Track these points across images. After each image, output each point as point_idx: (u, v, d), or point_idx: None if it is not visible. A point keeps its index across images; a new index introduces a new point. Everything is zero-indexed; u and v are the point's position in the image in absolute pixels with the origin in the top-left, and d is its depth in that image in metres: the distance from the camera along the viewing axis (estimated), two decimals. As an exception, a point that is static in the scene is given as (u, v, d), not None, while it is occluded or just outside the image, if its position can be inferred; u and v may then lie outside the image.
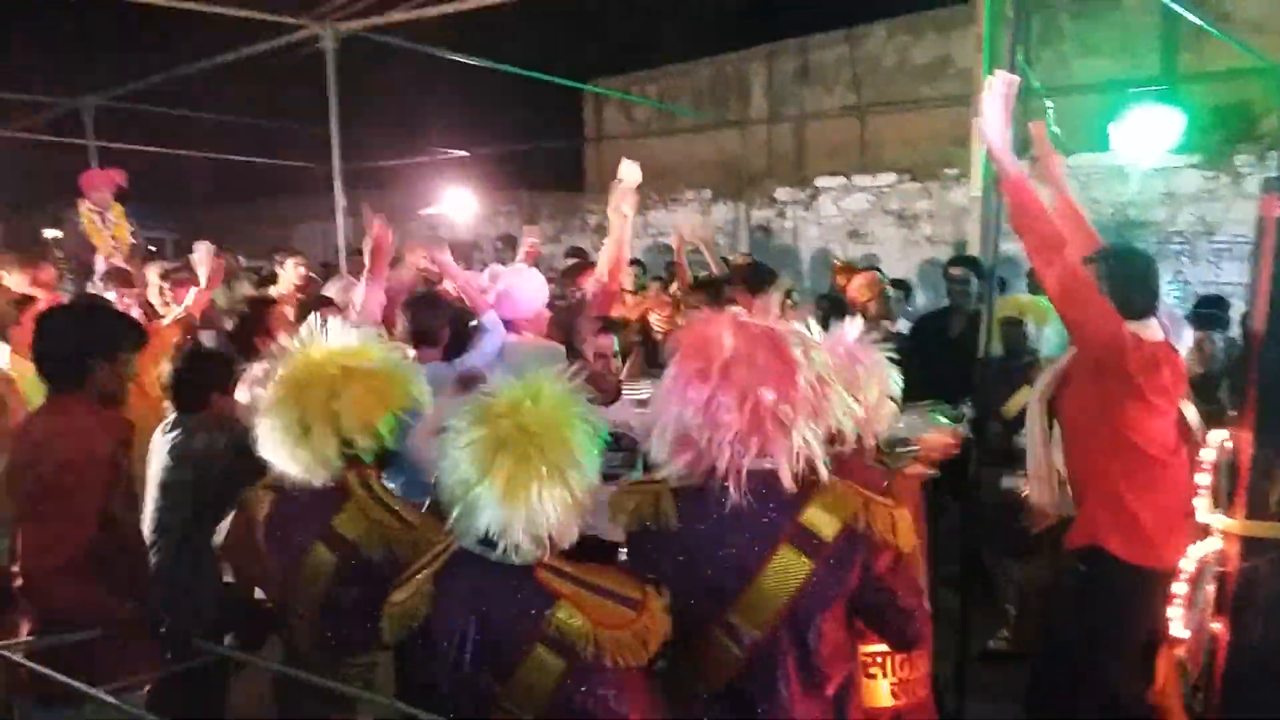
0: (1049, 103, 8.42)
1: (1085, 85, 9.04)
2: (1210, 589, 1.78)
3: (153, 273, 6.14)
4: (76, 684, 2.11)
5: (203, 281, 5.29)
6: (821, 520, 1.88)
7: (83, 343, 2.73)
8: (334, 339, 2.42)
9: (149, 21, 10.76)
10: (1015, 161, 2.94)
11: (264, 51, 7.75)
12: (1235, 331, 5.66)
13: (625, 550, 2.14)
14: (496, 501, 1.82)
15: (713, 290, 5.06)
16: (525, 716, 1.85)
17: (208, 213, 14.92)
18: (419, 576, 1.99)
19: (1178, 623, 1.78)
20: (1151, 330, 2.87)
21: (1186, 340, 3.29)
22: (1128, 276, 2.95)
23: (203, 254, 5.33)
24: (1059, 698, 2.95)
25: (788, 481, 1.85)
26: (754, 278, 4.64)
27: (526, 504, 1.81)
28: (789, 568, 1.86)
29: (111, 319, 2.97)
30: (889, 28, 10.99)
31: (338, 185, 7.32)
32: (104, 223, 6.85)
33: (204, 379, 3.36)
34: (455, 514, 1.88)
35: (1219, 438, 1.75)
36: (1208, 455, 1.75)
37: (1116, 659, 2.82)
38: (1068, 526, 3.06)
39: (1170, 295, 8.23)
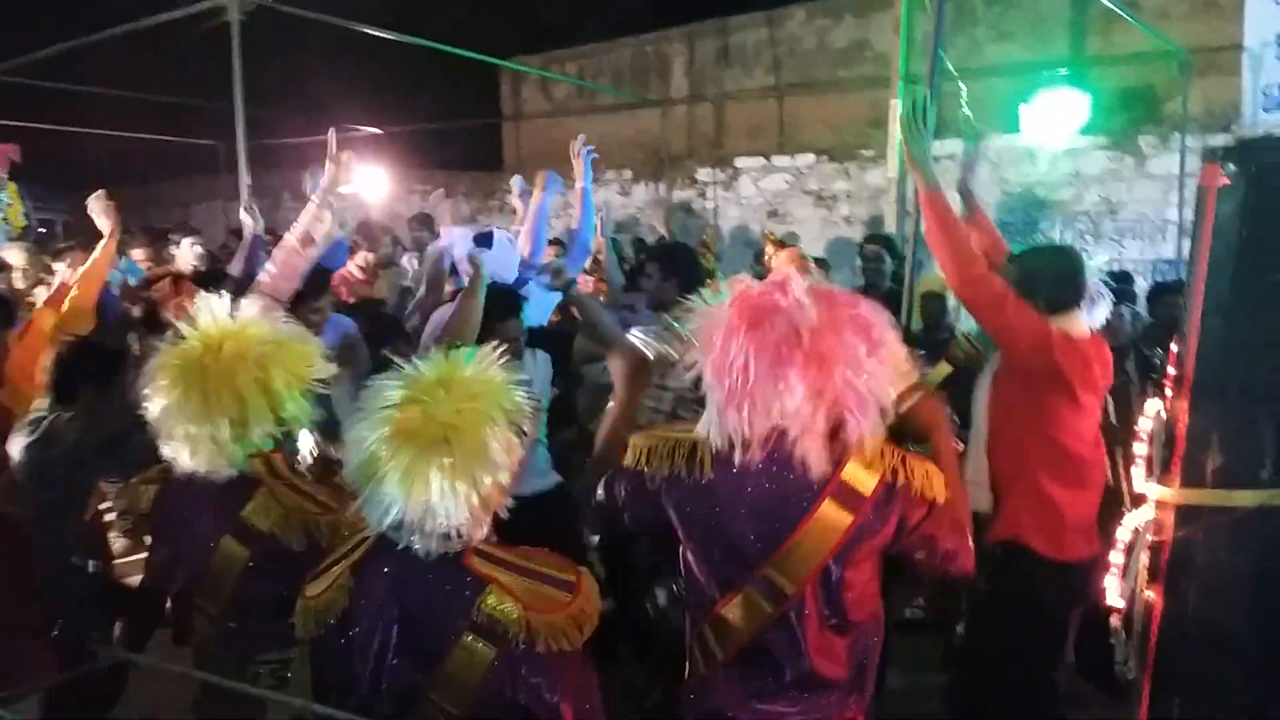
0: (962, 85, 8.61)
1: (997, 68, 9.24)
2: (1144, 558, 1.78)
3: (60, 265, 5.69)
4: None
5: (105, 232, 4.67)
6: (861, 475, 1.88)
7: None
8: (227, 320, 2.28)
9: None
10: (935, 177, 2.94)
11: (166, 23, 7.33)
12: (1141, 306, 5.87)
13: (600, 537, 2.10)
14: (395, 490, 1.72)
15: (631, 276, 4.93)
16: (452, 711, 1.77)
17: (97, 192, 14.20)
18: (336, 568, 1.89)
19: (1113, 592, 1.78)
20: (1078, 325, 2.92)
21: (1099, 316, 3.35)
22: (1051, 273, 2.98)
23: (99, 205, 4.75)
24: (982, 689, 3.02)
25: (853, 447, 1.86)
26: (668, 260, 4.46)
27: (425, 497, 1.71)
28: (831, 522, 1.86)
29: None
30: (809, 10, 11.03)
31: (243, 164, 6.99)
32: (-6, 201, 6.43)
33: (75, 373, 3.08)
34: (359, 501, 1.78)
35: (1154, 407, 1.76)
36: (1143, 425, 1.75)
37: (1034, 649, 2.92)
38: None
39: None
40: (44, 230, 11.55)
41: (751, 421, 1.83)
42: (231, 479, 2.24)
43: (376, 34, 7.83)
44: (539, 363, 3.61)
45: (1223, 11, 8.30)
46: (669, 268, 4.22)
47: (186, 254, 6.34)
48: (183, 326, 2.26)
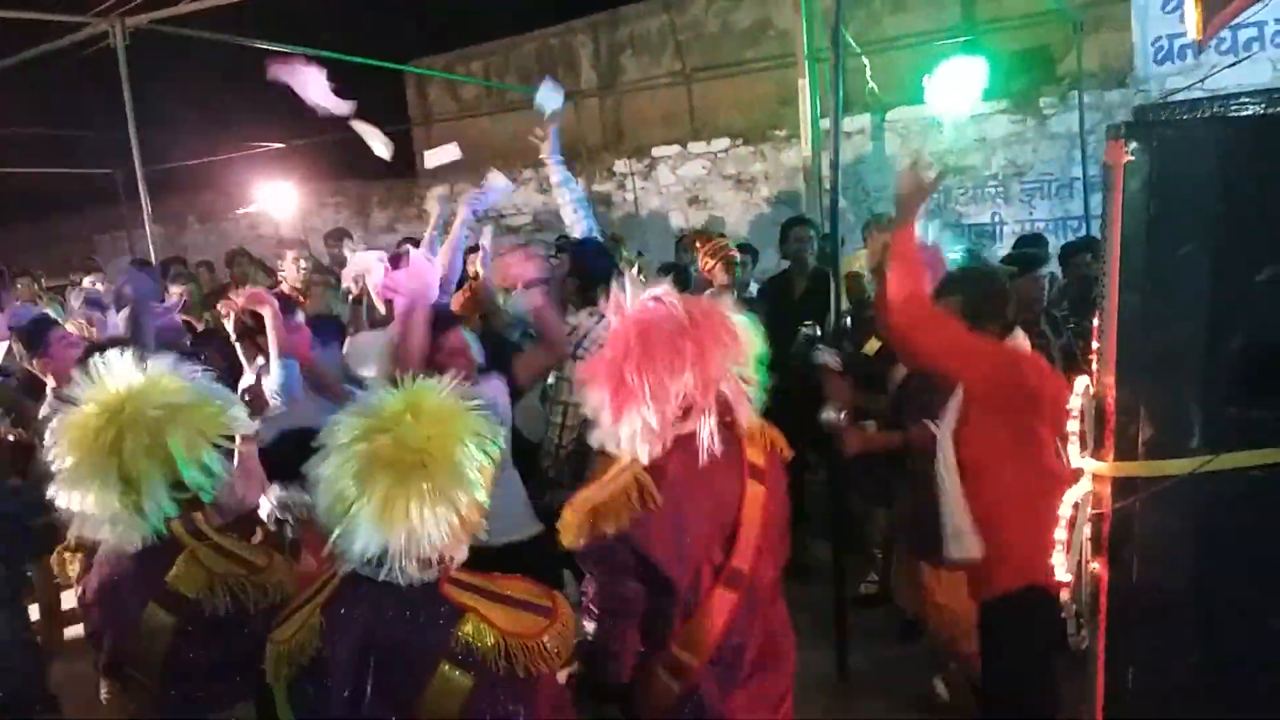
0: (865, 60, 8.70)
1: (896, 39, 9.39)
2: (1086, 531, 1.82)
3: None
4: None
5: None
6: (757, 454, 2.13)
7: None
8: (125, 377, 2.15)
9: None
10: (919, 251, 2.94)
11: (48, 53, 7.03)
12: (1054, 266, 6.02)
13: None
14: (373, 523, 1.70)
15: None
16: None
17: (1, 231, 13.58)
18: (303, 610, 1.84)
19: (1060, 567, 1.82)
20: (1020, 342, 2.94)
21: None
22: (988, 294, 3.00)
23: None
24: None
25: (742, 425, 2.08)
26: (583, 270, 4.05)
27: (406, 525, 1.69)
28: (755, 496, 2.08)
29: None
30: (709, -7, 11.08)
31: (143, 190, 6.75)
32: None
33: None
34: (334, 536, 1.74)
35: (1082, 383, 1.79)
36: (1073, 402, 1.79)
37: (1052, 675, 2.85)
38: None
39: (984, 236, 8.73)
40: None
41: (660, 411, 1.96)
42: (153, 544, 2.13)
43: (267, 47, 7.61)
44: (495, 386, 3.52)
45: (1109, -33, 8.56)
46: (573, 268, 4.19)
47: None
48: (77, 391, 2.14)
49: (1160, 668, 1.79)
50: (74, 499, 2.08)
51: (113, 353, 2.18)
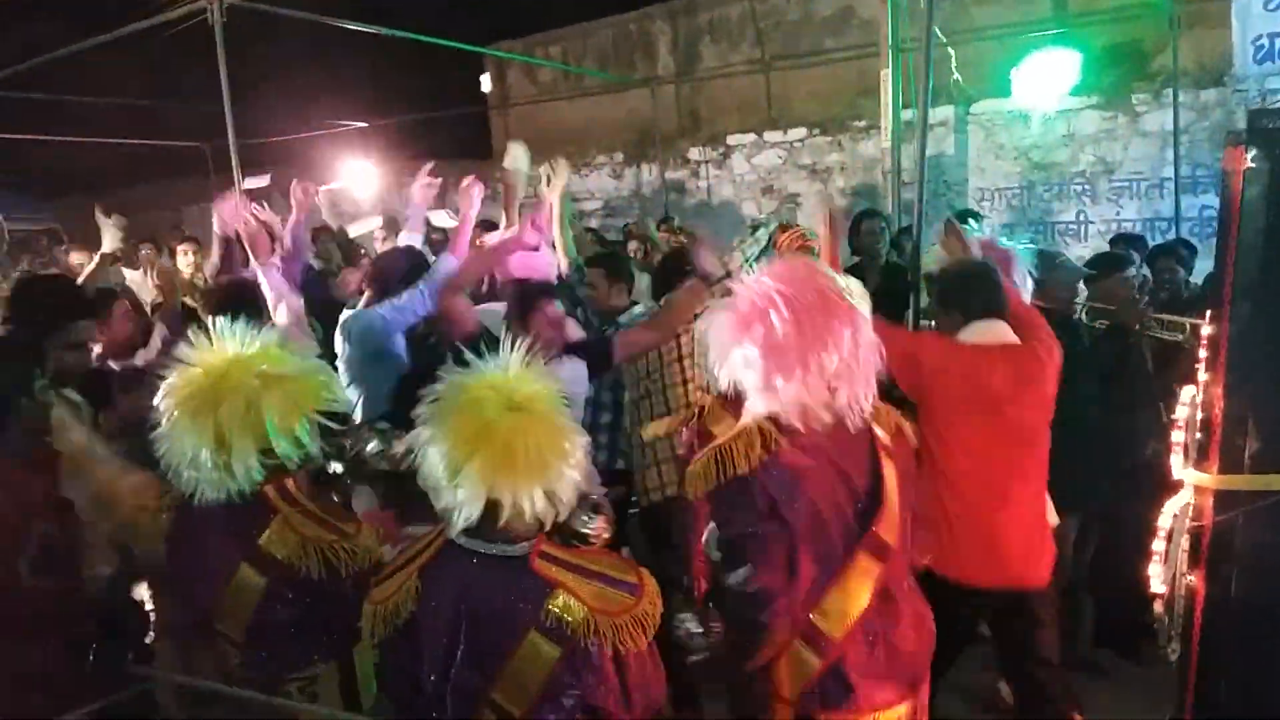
0: (951, 51, 8.52)
1: (985, 31, 9.17)
2: (1184, 544, 1.79)
3: None
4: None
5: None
6: (880, 431, 2.12)
7: None
8: (240, 343, 2.26)
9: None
10: None
11: (146, 28, 7.25)
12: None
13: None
14: (475, 490, 1.77)
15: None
16: (512, 711, 1.81)
17: (90, 201, 14.08)
18: (402, 571, 1.92)
19: (1156, 579, 1.79)
20: (995, 332, 2.88)
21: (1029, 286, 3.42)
22: (954, 284, 3.04)
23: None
24: None
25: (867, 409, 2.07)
26: (613, 266, 4.27)
27: (510, 492, 1.77)
28: (890, 471, 2.07)
29: (20, 349, 2.66)
30: (792, -20, 10.95)
31: (235, 164, 6.94)
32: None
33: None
34: (443, 501, 1.82)
35: (1189, 394, 1.76)
36: (1180, 412, 1.75)
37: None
38: None
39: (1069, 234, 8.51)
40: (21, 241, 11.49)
41: (809, 384, 1.97)
42: (246, 505, 2.21)
43: (355, 28, 7.76)
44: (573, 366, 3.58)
45: (1210, -38, 8.24)
46: (613, 273, 4.24)
47: (184, 261, 6.26)
48: (189, 352, 2.24)
49: (1255, 683, 1.76)
50: (171, 452, 2.18)
51: (224, 320, 2.27)
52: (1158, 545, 1.77)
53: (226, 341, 2.26)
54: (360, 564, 2.19)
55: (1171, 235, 7.79)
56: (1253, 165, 1.68)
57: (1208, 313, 1.81)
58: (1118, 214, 8.42)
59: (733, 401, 2.58)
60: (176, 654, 3.17)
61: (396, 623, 1.88)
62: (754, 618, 2.01)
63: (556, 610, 1.78)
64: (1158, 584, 1.79)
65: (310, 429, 2.24)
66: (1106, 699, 3.88)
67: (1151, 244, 6.12)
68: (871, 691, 2.02)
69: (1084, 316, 3.95)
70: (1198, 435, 1.75)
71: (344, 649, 2.29)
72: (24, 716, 2.09)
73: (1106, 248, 5.75)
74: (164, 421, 2.20)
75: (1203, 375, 1.76)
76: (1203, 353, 1.78)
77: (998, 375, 2.76)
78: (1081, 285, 4.34)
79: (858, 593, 2.00)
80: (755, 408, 2.03)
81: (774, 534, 2.00)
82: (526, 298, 3.47)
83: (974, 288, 2.95)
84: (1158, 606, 1.83)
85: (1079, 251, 7.71)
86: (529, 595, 1.81)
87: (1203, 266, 5.05)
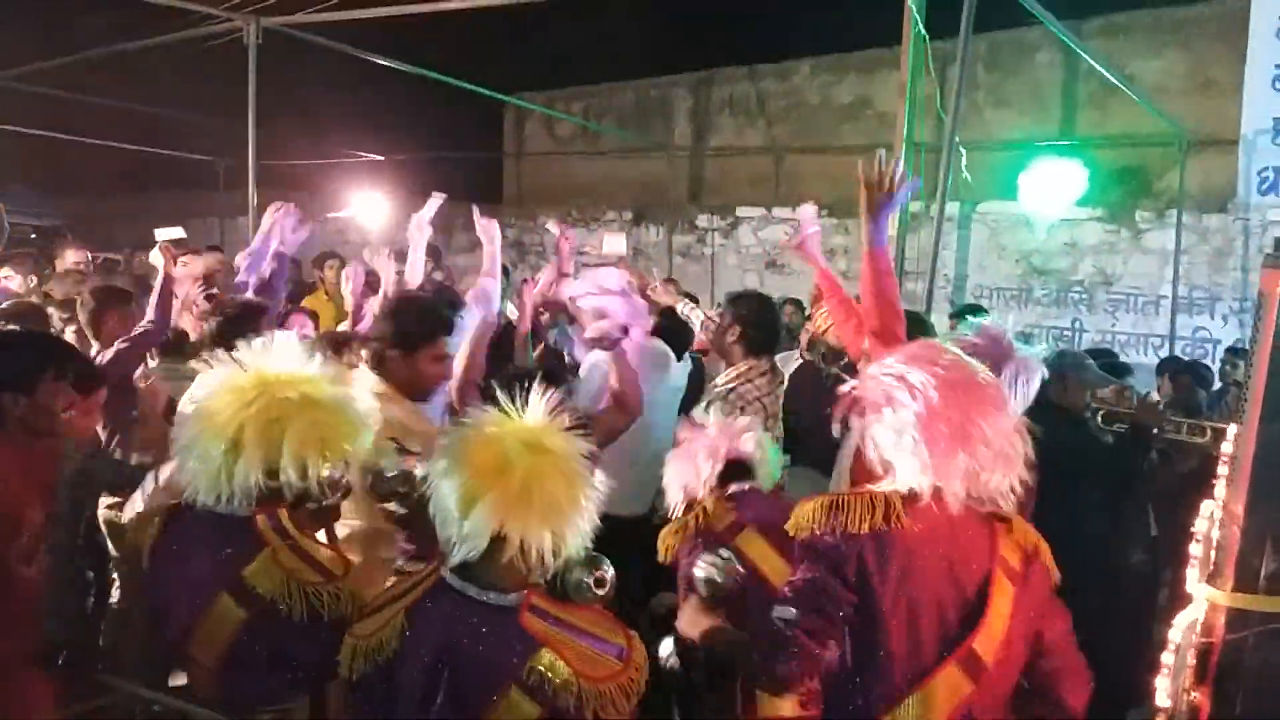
0: (962, 150, 8.72)
1: (995, 138, 9.41)
2: (1190, 659, 1.77)
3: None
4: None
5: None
6: (1011, 551, 1.96)
7: None
8: (287, 360, 2.26)
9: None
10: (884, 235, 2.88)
11: (179, 40, 7.35)
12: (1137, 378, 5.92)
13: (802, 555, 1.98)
14: (481, 530, 1.76)
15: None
16: None
17: (99, 202, 14.08)
18: (389, 608, 1.88)
19: (1162, 692, 1.77)
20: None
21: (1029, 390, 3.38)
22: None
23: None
24: None
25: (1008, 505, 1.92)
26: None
27: (543, 507, 1.78)
28: (1005, 591, 1.91)
29: (26, 347, 2.59)
30: (814, 65, 11.21)
31: (252, 183, 6.98)
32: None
33: None
34: (448, 532, 1.80)
35: (1209, 508, 1.76)
36: (1199, 526, 1.75)
37: None
38: None
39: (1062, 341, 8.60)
40: (33, 235, 11.45)
41: (950, 469, 1.86)
42: (235, 533, 2.17)
43: (382, 62, 7.88)
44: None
45: (1220, 89, 8.52)
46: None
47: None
48: (239, 359, 2.23)
49: (1253, 809, 1.73)
50: (185, 437, 2.17)
51: (286, 336, 2.33)
52: (1166, 658, 1.76)
53: (280, 354, 2.26)
54: (343, 609, 2.12)
55: (1165, 352, 7.90)
56: (1287, 288, 1.71)
57: (1230, 428, 1.82)
58: (1113, 325, 8.54)
59: (743, 499, 2.55)
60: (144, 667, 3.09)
61: (378, 659, 1.84)
62: (775, 659, 1.88)
63: (541, 669, 1.74)
64: (1163, 698, 1.76)
65: (319, 466, 2.20)
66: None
67: (1158, 359, 6.21)
68: None
69: (1099, 419, 3.96)
70: (1213, 551, 1.74)
71: (319, 683, 2.23)
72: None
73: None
74: (191, 407, 2.21)
75: (1221, 491, 1.77)
76: (1223, 469, 1.79)
77: None
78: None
79: (940, 706, 1.87)
80: (905, 477, 1.91)
81: (843, 602, 1.88)
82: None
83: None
84: (1160, 720, 1.81)
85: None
86: (515, 648, 1.77)
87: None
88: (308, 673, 2.19)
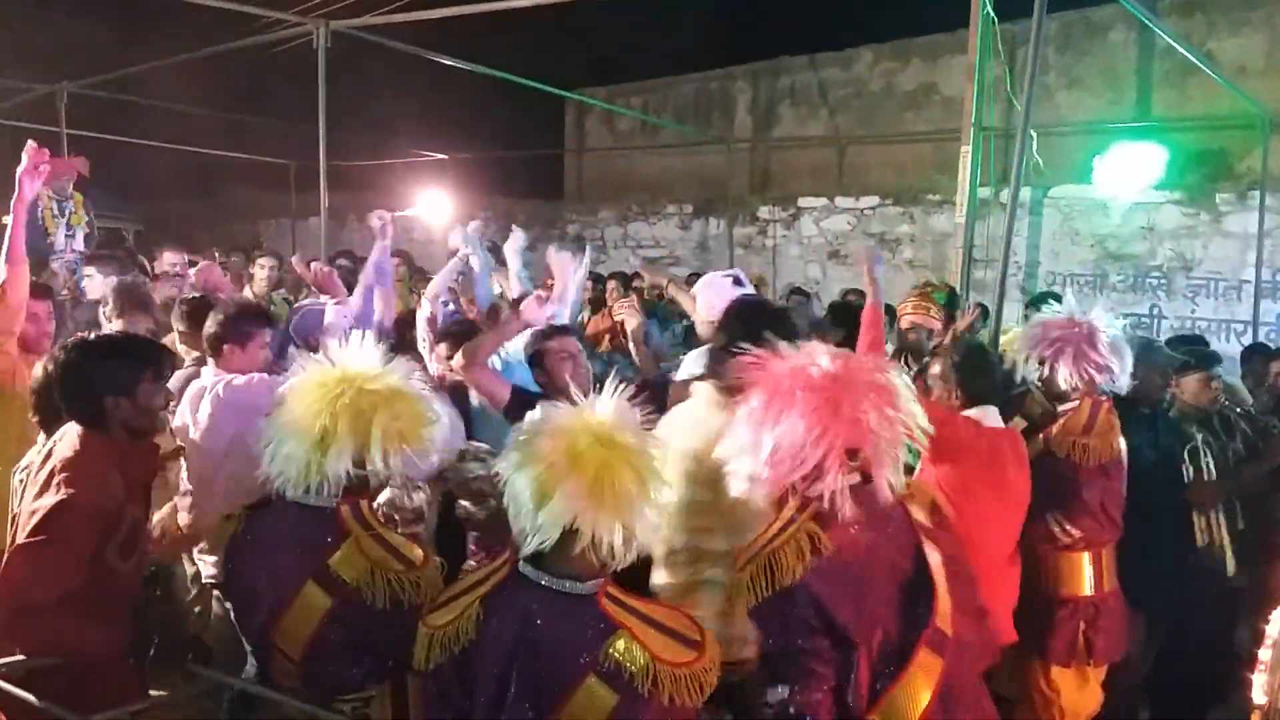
0: (1033, 134, 8.53)
1: (1069, 120, 9.15)
2: (1285, 654, 1.72)
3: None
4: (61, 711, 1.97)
5: None
6: (920, 513, 2.07)
7: (95, 381, 2.49)
8: (369, 360, 2.34)
9: (128, 8, 10.46)
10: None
11: (250, 46, 7.54)
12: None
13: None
14: (556, 518, 1.78)
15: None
16: None
17: (171, 205, 14.53)
18: (464, 597, 1.91)
19: (1259, 689, 1.72)
20: (990, 417, 3.00)
21: (1124, 376, 3.37)
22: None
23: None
24: None
25: (885, 484, 1.99)
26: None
27: (615, 499, 1.79)
28: (933, 557, 2.02)
29: (125, 352, 2.68)
30: (876, 52, 11.04)
31: (323, 184, 7.14)
32: (61, 211, 6.58)
33: None
34: (522, 524, 1.82)
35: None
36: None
37: None
38: None
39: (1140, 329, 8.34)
40: (128, 237, 11.87)
41: (793, 465, 1.95)
42: (318, 523, 2.23)
43: (446, 62, 7.97)
44: None
45: (1304, 68, 8.17)
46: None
47: (261, 275, 6.40)
48: (331, 356, 2.33)
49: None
50: (271, 436, 2.25)
51: (364, 337, 2.38)
52: (1263, 654, 1.70)
53: (357, 354, 2.34)
54: (423, 597, 2.18)
55: (1248, 339, 7.61)
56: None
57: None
58: (1193, 311, 8.26)
59: None
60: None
61: (454, 649, 1.86)
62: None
63: (617, 654, 1.75)
64: (1259, 694, 1.71)
65: (401, 454, 2.26)
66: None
67: (1241, 346, 5.98)
68: None
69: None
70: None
71: (399, 673, 2.28)
72: (84, 701, 2.10)
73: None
74: (278, 407, 2.28)
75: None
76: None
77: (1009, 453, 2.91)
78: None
79: (919, 693, 1.91)
80: (752, 497, 2.03)
81: (823, 650, 1.92)
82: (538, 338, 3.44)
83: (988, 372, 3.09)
84: (1255, 718, 1.75)
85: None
86: (592, 633, 1.79)
87: None
88: (388, 662, 2.25)
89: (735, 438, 2.06)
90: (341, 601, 2.19)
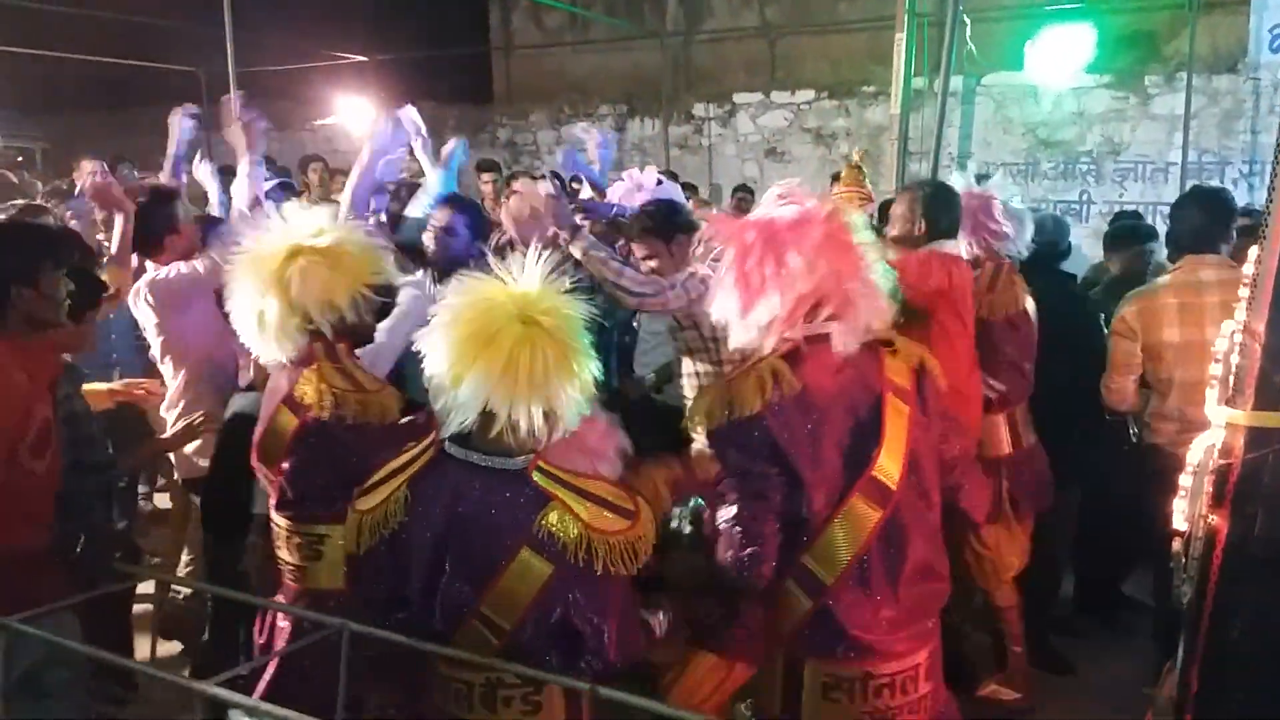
0: (966, 20, 8.43)
1: (1002, 6, 9.08)
2: (1208, 482, 1.76)
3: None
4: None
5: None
6: (899, 372, 2.01)
7: None
8: (292, 222, 2.35)
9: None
10: None
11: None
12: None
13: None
14: (476, 395, 1.71)
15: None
16: (502, 625, 1.76)
17: (79, 119, 13.77)
18: (391, 480, 1.86)
19: (1179, 515, 1.76)
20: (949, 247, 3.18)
21: (1021, 242, 3.54)
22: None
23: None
24: None
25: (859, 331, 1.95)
26: (665, 226, 3.44)
27: (530, 379, 1.71)
28: (900, 413, 1.96)
29: (31, 238, 2.56)
30: (808, -59, 10.77)
31: (233, 92, 6.78)
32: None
33: None
34: (448, 397, 1.75)
35: (1230, 328, 1.72)
36: (1219, 345, 1.72)
37: None
38: None
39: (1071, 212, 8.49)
40: (20, 160, 11.23)
41: (787, 298, 1.91)
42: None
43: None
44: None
45: (1231, -53, 8.18)
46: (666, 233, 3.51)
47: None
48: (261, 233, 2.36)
49: (1270, 624, 1.74)
50: (248, 318, 2.31)
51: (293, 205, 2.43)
52: (1184, 480, 1.74)
53: (294, 223, 2.35)
54: (369, 417, 2.32)
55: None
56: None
57: (1251, 250, 1.77)
58: (1120, 195, 8.40)
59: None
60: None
61: (383, 533, 1.82)
62: (738, 558, 1.93)
63: (550, 525, 1.73)
64: (1180, 520, 1.76)
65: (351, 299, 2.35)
66: (1085, 664, 3.91)
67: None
68: (864, 640, 1.94)
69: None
70: (1233, 371, 1.71)
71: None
72: (5, 600, 2.03)
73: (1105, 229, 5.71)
74: (237, 293, 2.36)
75: (1241, 313, 1.72)
76: (1243, 290, 1.74)
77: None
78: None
79: (850, 538, 1.92)
80: (737, 340, 2.00)
81: (773, 477, 1.93)
82: None
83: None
84: (1176, 544, 1.81)
85: (1079, 232, 7.68)
86: (523, 507, 1.76)
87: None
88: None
89: (721, 301, 2.01)
90: (303, 423, 2.30)
